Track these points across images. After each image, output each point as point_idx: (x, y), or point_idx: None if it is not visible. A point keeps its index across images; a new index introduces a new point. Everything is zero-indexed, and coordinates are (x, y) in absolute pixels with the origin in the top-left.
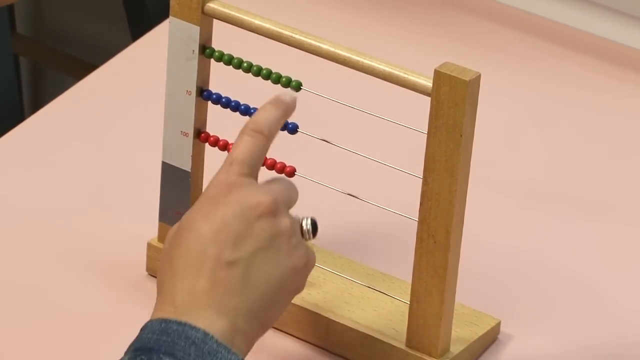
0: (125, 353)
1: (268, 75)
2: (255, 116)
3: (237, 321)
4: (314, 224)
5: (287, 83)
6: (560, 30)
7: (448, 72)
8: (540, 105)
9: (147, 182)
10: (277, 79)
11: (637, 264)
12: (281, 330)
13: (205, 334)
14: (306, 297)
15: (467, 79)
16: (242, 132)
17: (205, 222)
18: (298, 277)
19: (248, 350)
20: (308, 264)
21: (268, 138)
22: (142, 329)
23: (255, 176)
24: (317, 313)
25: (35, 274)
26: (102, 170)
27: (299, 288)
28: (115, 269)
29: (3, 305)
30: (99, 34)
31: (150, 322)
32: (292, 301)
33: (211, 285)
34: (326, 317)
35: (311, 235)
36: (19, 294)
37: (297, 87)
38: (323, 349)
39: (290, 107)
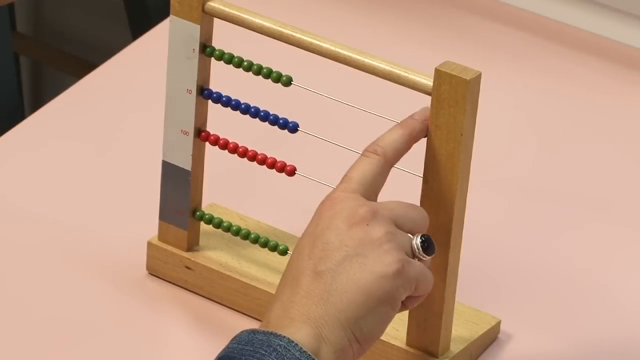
0: None
1: (268, 74)
2: (379, 137)
3: (323, 330)
4: (425, 241)
5: (287, 82)
6: (562, 30)
7: (449, 71)
8: (541, 105)
9: (148, 181)
10: (277, 78)
11: (637, 262)
12: None
13: (289, 341)
14: None
15: (468, 77)
16: (362, 153)
17: (306, 238)
18: (388, 285)
19: None
20: (403, 274)
21: (384, 158)
22: (231, 340)
23: (367, 195)
24: None
25: (35, 272)
26: (103, 169)
27: (391, 297)
28: (115, 268)
29: (3, 305)
30: (100, 32)
31: (241, 332)
32: None
33: (302, 297)
34: None
35: (421, 252)
36: (19, 293)
37: (288, 82)
38: None
39: (418, 127)
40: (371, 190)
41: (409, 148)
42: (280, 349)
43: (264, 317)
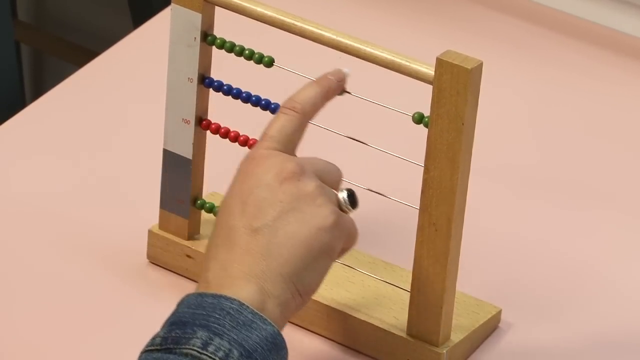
0: (161, 328)
1: (269, 63)
2: (294, 93)
3: (266, 285)
4: (351, 195)
5: (270, 62)
6: (564, 19)
7: (450, 60)
8: (543, 94)
9: (149, 169)
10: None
11: (638, 252)
12: None
13: (240, 304)
14: None
15: (469, 67)
16: (279, 109)
17: (234, 197)
18: (326, 237)
19: (285, 317)
20: (338, 225)
21: (302, 115)
22: (178, 304)
23: (287, 151)
24: (317, 301)
25: (36, 261)
26: (103, 157)
27: (330, 249)
28: (116, 256)
29: (3, 293)
30: (101, 21)
31: (187, 296)
32: None
33: (241, 255)
34: (327, 305)
35: (349, 206)
36: (20, 281)
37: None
38: (324, 337)
39: (334, 85)
40: (291, 146)
41: (324, 105)
42: (232, 312)
43: (200, 277)
